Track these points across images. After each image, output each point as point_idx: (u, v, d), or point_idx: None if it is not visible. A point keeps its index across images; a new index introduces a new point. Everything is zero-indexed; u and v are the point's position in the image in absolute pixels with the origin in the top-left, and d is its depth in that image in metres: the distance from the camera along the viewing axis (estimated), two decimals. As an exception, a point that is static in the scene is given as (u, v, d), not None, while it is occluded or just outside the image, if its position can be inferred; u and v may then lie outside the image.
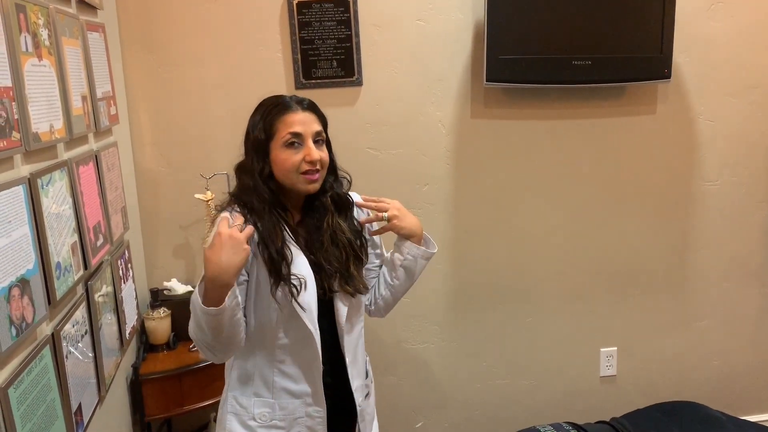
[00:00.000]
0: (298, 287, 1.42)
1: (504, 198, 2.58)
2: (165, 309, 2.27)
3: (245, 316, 1.44)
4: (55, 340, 1.45)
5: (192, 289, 2.38)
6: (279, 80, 2.39)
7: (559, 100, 2.53)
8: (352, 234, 1.53)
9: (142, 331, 2.32)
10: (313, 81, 2.39)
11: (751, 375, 2.88)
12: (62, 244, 1.52)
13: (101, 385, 1.78)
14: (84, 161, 1.75)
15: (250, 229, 1.35)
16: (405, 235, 1.58)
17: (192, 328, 1.38)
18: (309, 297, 1.45)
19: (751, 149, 2.67)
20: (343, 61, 2.39)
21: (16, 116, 1.30)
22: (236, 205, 1.46)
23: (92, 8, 2.01)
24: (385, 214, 1.55)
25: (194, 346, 2.21)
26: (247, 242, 1.32)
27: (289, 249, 1.44)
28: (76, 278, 1.61)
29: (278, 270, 1.40)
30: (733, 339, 2.83)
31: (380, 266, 1.66)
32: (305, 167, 1.43)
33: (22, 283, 1.29)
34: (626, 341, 2.77)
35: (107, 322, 1.87)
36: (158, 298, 2.32)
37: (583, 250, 2.67)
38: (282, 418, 1.50)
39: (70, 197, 1.61)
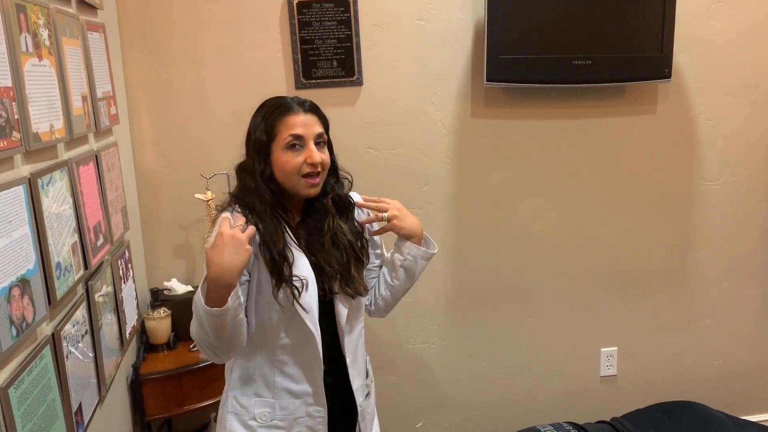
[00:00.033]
0: (300, 288, 1.42)
1: (504, 198, 2.58)
2: (165, 309, 2.27)
3: (246, 316, 1.44)
4: (55, 340, 1.45)
5: (192, 289, 2.38)
6: (279, 80, 2.39)
7: (560, 100, 2.53)
8: (352, 236, 1.53)
9: (142, 331, 2.32)
10: (314, 81, 2.39)
11: (752, 375, 2.88)
12: (62, 244, 1.52)
13: (101, 385, 1.78)
14: (84, 161, 1.75)
15: (251, 229, 1.35)
16: (405, 236, 1.58)
17: (194, 329, 1.38)
18: (310, 298, 1.45)
19: (751, 149, 2.67)
20: (344, 61, 2.39)
21: (16, 116, 1.30)
22: (237, 206, 1.46)
23: (92, 8, 2.01)
24: (386, 215, 1.54)
25: (194, 346, 2.21)
26: (249, 242, 1.32)
27: (291, 251, 1.44)
28: (76, 278, 1.61)
29: (280, 271, 1.40)
30: (733, 339, 2.83)
31: (380, 266, 1.66)
32: (306, 169, 1.42)
33: (23, 283, 1.29)
34: (626, 341, 2.77)
35: (107, 322, 1.87)
36: (158, 298, 2.32)
37: (584, 250, 2.67)
38: (282, 417, 1.50)
39: (70, 197, 1.61)
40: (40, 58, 1.46)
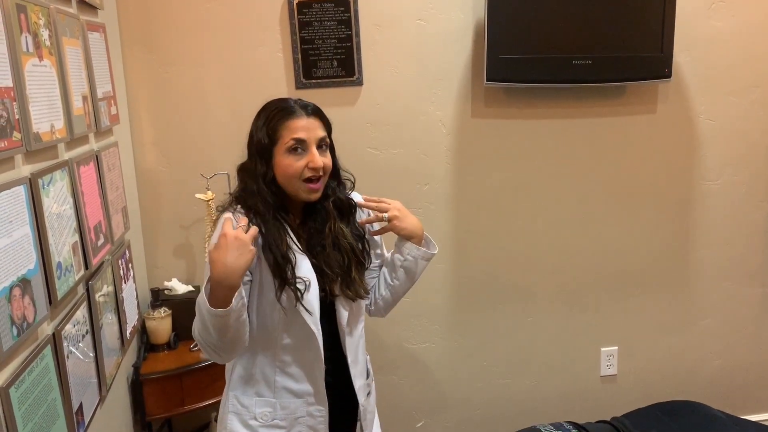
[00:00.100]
0: (302, 290, 1.42)
1: (504, 197, 2.58)
2: (166, 309, 2.27)
3: (248, 315, 1.44)
4: (56, 340, 1.45)
5: (193, 288, 2.39)
6: (279, 80, 2.39)
7: (560, 100, 2.53)
8: (353, 239, 1.53)
9: (142, 330, 2.32)
10: (314, 81, 2.39)
11: (752, 374, 2.88)
12: (63, 244, 1.53)
13: (102, 385, 1.78)
14: (85, 161, 1.75)
15: (254, 230, 1.35)
16: (405, 236, 1.58)
17: (197, 330, 1.38)
18: (312, 298, 1.45)
19: (751, 148, 2.67)
20: (344, 61, 2.39)
21: (17, 116, 1.30)
22: (238, 206, 1.46)
23: (93, 8, 2.01)
24: (386, 215, 1.54)
25: (195, 346, 2.22)
26: (252, 243, 1.32)
27: (293, 253, 1.44)
28: (77, 278, 1.61)
29: (283, 274, 1.40)
30: (733, 338, 2.83)
31: (380, 267, 1.67)
32: (308, 174, 1.42)
33: (23, 283, 1.29)
34: (627, 341, 2.77)
35: (108, 321, 1.87)
36: (159, 297, 2.32)
37: (584, 250, 2.67)
38: (283, 417, 1.50)
39: (70, 197, 1.61)
40: (40, 58, 1.46)
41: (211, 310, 1.29)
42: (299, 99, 1.48)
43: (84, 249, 1.68)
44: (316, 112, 1.47)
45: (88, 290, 1.71)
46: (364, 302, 1.60)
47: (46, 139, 1.46)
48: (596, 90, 2.52)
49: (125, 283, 2.09)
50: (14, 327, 1.23)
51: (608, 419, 2.46)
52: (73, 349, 1.56)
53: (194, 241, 2.46)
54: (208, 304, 1.30)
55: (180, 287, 2.36)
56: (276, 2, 2.34)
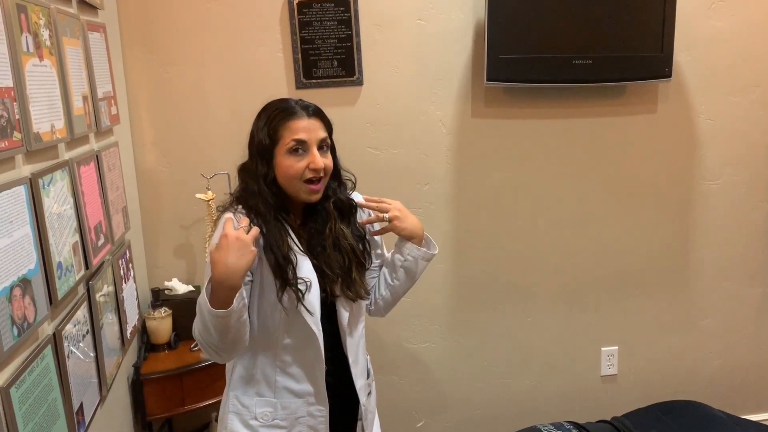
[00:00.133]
0: (303, 291, 1.42)
1: (505, 197, 2.58)
2: (166, 309, 2.27)
3: (248, 316, 1.44)
4: (56, 340, 1.45)
5: (193, 288, 2.39)
6: (279, 80, 2.39)
7: (560, 100, 2.53)
8: (354, 239, 1.53)
9: (143, 330, 2.32)
10: (314, 81, 2.39)
11: (752, 374, 2.88)
12: (63, 244, 1.53)
13: (102, 385, 1.78)
14: (85, 161, 1.75)
15: (256, 230, 1.34)
16: (406, 236, 1.58)
17: (198, 330, 1.38)
18: (313, 299, 1.45)
19: (752, 148, 2.67)
20: (344, 61, 2.39)
21: (17, 116, 1.30)
22: (239, 206, 1.46)
23: (93, 8, 2.01)
24: (387, 215, 1.54)
25: (195, 346, 2.22)
26: (253, 244, 1.32)
27: (294, 254, 1.44)
28: (77, 278, 1.61)
29: (284, 275, 1.40)
30: (733, 338, 2.83)
31: (380, 267, 1.67)
32: (309, 175, 1.42)
33: (24, 282, 1.29)
34: (627, 340, 2.77)
35: (108, 321, 1.87)
36: (159, 297, 2.33)
37: (584, 250, 2.67)
38: (284, 417, 1.50)
39: (71, 197, 1.61)
40: (41, 58, 1.46)
41: (212, 311, 1.29)
42: (300, 99, 1.48)
43: (84, 249, 1.68)
44: (317, 113, 1.46)
45: (88, 290, 1.71)
46: (364, 302, 1.60)
47: (47, 139, 1.46)
48: (596, 90, 2.52)
49: (125, 283, 2.09)
50: (15, 327, 1.23)
51: (609, 419, 2.46)
52: (74, 349, 1.56)
53: (194, 241, 2.46)
54: (209, 305, 1.29)
55: (180, 287, 2.36)
56: (276, 2, 2.34)
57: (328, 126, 1.48)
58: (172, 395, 2.16)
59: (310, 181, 1.43)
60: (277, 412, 1.50)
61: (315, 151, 1.42)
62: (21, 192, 1.31)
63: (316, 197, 1.46)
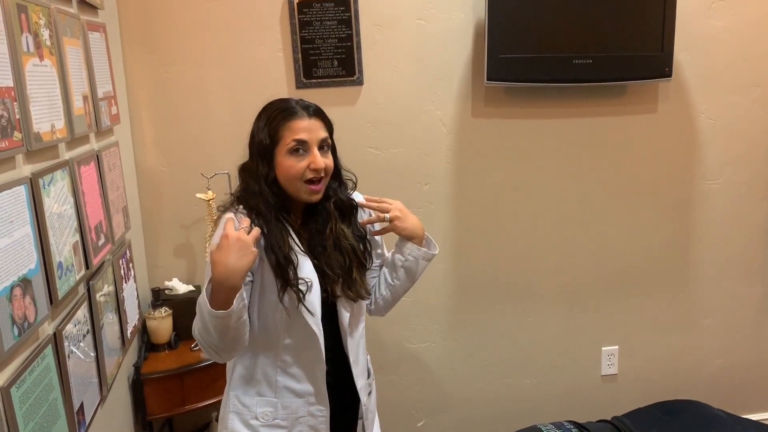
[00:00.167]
0: (304, 291, 1.42)
1: (505, 197, 2.58)
2: (166, 308, 2.27)
3: (248, 316, 1.44)
4: (57, 340, 1.45)
5: (193, 288, 2.39)
6: (280, 80, 2.39)
7: (560, 99, 2.53)
8: (355, 240, 1.53)
9: (143, 330, 2.32)
10: (314, 80, 2.39)
11: (753, 373, 2.88)
12: (64, 244, 1.53)
13: (103, 385, 1.78)
14: (85, 161, 1.75)
15: (257, 231, 1.34)
16: (406, 236, 1.58)
17: (197, 330, 1.38)
18: (314, 299, 1.45)
19: (752, 147, 2.67)
20: (344, 61, 2.39)
21: (17, 116, 1.30)
22: (240, 206, 1.46)
23: (93, 8, 2.01)
24: (387, 215, 1.54)
25: (196, 346, 2.22)
26: (254, 245, 1.32)
27: (295, 254, 1.44)
28: (77, 278, 1.61)
29: (285, 275, 1.40)
30: (734, 338, 2.83)
31: (381, 266, 1.67)
32: (309, 175, 1.42)
33: (24, 282, 1.29)
34: (627, 340, 2.77)
35: (109, 321, 1.87)
36: (159, 297, 2.32)
37: (584, 249, 2.67)
38: (284, 417, 1.50)
39: (71, 197, 1.62)
40: (41, 58, 1.46)
41: (212, 312, 1.29)
42: (301, 99, 1.48)
43: (85, 249, 1.68)
44: (318, 113, 1.46)
45: (88, 290, 1.71)
46: (364, 302, 1.60)
47: (47, 138, 1.46)
48: (597, 89, 2.52)
49: (126, 282, 2.09)
50: (15, 327, 1.23)
51: (609, 419, 2.46)
52: (74, 349, 1.56)
53: (195, 241, 2.46)
54: (208, 306, 1.29)
55: (181, 287, 2.36)
56: (276, 2, 2.34)
57: (328, 126, 1.48)
58: (173, 395, 2.16)
59: (310, 182, 1.43)
60: (278, 412, 1.50)
61: (316, 151, 1.42)
62: (21, 192, 1.31)
63: (317, 197, 1.46)
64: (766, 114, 2.64)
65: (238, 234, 1.29)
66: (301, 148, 1.41)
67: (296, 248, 1.45)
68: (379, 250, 1.66)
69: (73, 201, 1.63)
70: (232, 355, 1.47)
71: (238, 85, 2.37)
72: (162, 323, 2.25)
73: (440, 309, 2.65)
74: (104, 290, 1.83)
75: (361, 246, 1.55)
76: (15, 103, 1.30)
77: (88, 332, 1.68)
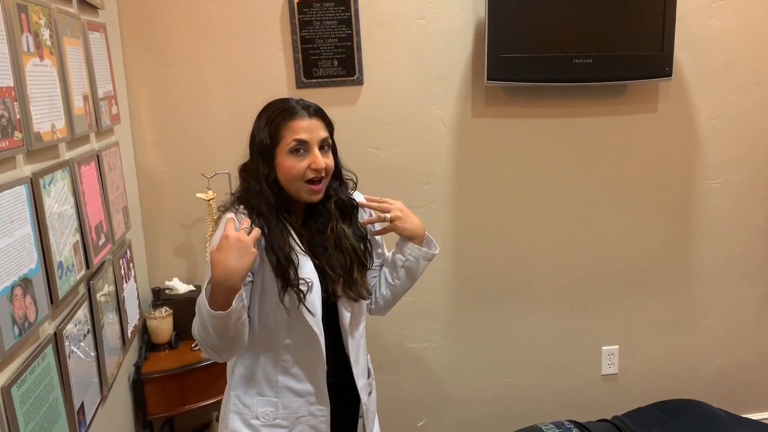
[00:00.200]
0: (305, 291, 1.42)
1: (505, 197, 2.58)
2: (167, 308, 2.27)
3: (249, 316, 1.44)
4: (57, 340, 1.45)
5: (194, 288, 2.39)
6: (280, 79, 2.39)
7: (560, 99, 2.53)
8: (356, 240, 1.53)
9: (144, 330, 2.32)
10: (314, 80, 2.39)
11: (753, 373, 2.88)
12: (64, 244, 1.53)
13: (103, 385, 1.78)
14: (86, 161, 1.75)
15: (257, 231, 1.34)
16: (407, 236, 1.58)
17: (196, 330, 1.38)
18: (315, 299, 1.45)
19: (752, 147, 2.67)
20: (344, 60, 2.39)
21: (18, 116, 1.30)
22: (241, 206, 1.46)
23: (93, 8, 2.01)
24: (388, 215, 1.54)
25: (196, 345, 2.22)
26: (254, 245, 1.31)
27: (296, 254, 1.44)
28: (78, 278, 1.61)
29: (286, 275, 1.40)
30: (734, 337, 2.83)
31: (381, 266, 1.67)
32: (310, 175, 1.42)
33: (25, 282, 1.29)
34: (628, 340, 2.77)
35: (109, 321, 1.87)
36: (160, 297, 2.33)
37: (585, 249, 2.67)
38: (285, 417, 1.50)
39: (72, 197, 1.62)
40: (41, 58, 1.46)
41: (211, 312, 1.29)
42: (301, 99, 1.48)
43: (85, 248, 1.68)
44: (318, 113, 1.46)
45: (89, 290, 1.71)
46: (365, 302, 1.60)
47: (47, 138, 1.46)
48: (597, 89, 2.52)
49: (126, 282, 2.09)
50: (16, 326, 1.23)
51: (609, 418, 2.46)
52: (75, 349, 1.56)
53: (195, 241, 2.46)
54: (208, 306, 1.29)
55: (181, 287, 2.36)
56: (276, 2, 2.34)
57: (329, 126, 1.48)
58: (173, 395, 2.16)
59: (311, 182, 1.43)
60: (279, 412, 1.50)
61: (316, 151, 1.42)
62: (22, 192, 1.31)
63: (318, 197, 1.46)
64: (766, 113, 2.64)
65: (239, 235, 1.29)
66: (301, 148, 1.41)
67: (297, 248, 1.45)
68: (380, 250, 1.66)
69: (74, 201, 1.63)
70: (231, 354, 1.47)
71: (238, 85, 2.37)
72: (162, 323, 2.25)
73: (440, 309, 2.65)
74: (105, 290, 1.83)
75: (362, 246, 1.55)
76: (15, 103, 1.30)
77: (88, 332, 1.68)
